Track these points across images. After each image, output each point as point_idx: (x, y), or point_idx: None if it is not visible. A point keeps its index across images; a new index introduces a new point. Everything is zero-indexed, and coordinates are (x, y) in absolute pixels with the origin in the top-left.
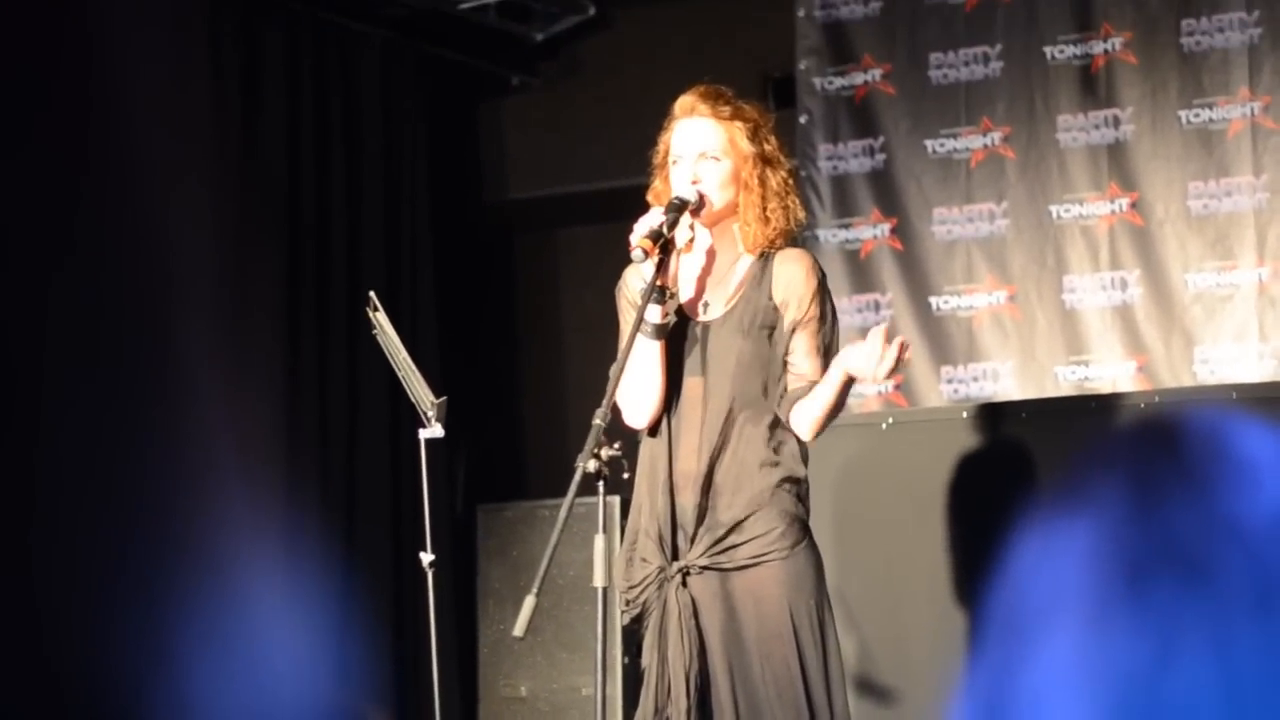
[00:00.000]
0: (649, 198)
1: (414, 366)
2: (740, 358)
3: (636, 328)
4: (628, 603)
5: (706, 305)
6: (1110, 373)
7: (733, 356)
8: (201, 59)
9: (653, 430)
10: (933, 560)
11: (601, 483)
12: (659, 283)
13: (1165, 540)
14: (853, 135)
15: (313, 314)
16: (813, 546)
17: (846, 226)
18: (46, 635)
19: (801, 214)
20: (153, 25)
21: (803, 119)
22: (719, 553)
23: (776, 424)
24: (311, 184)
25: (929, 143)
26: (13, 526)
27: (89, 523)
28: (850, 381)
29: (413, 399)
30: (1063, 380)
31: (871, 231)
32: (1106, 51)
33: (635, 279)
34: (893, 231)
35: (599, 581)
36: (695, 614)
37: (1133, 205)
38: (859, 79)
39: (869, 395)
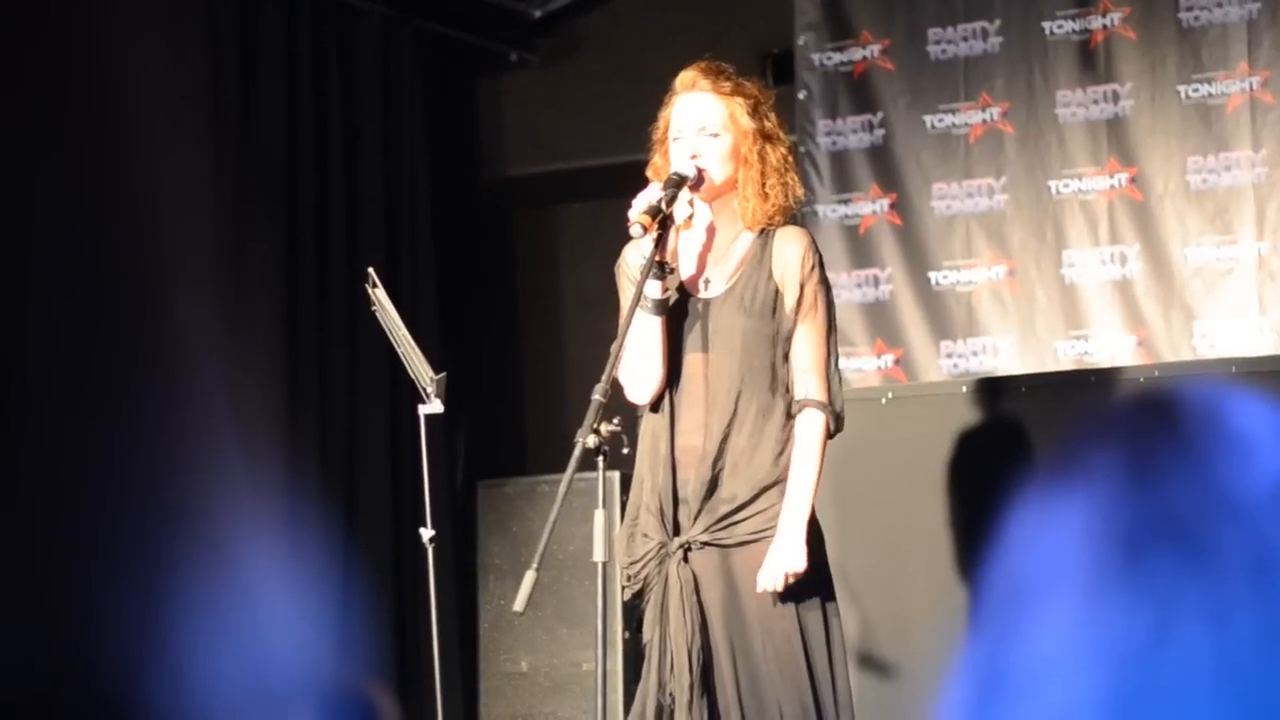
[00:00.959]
0: (648, 173)
1: (413, 343)
2: (745, 336)
3: (636, 303)
4: (629, 578)
5: (708, 282)
6: (1110, 347)
7: (738, 334)
8: (199, 35)
9: (654, 406)
10: (932, 534)
11: (601, 458)
12: (658, 258)
13: (1164, 513)
14: (852, 111)
15: (312, 291)
16: (814, 523)
17: (846, 202)
18: (41, 609)
19: (800, 191)
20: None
21: (801, 95)
22: (720, 529)
23: (785, 406)
24: (310, 160)
25: (928, 118)
26: (5, 503)
27: (84, 497)
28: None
29: (412, 375)
30: (1062, 355)
31: (871, 207)
32: (1105, 27)
33: (635, 255)
34: (892, 207)
35: (599, 556)
36: (696, 589)
37: (1132, 180)
38: (858, 55)
39: (869, 370)
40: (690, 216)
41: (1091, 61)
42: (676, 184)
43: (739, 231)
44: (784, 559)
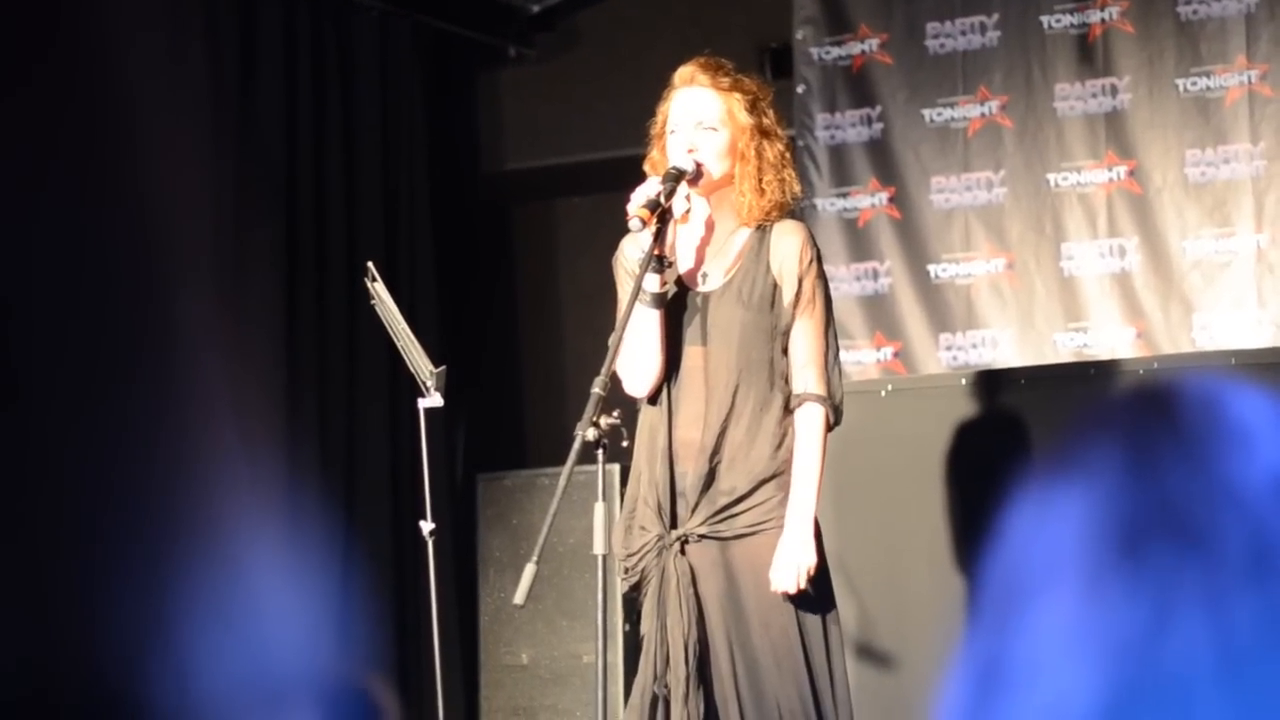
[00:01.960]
0: (646, 167)
1: (413, 336)
2: (744, 329)
3: (635, 297)
4: (626, 570)
5: (705, 276)
6: (1109, 340)
7: (736, 328)
8: (198, 31)
9: (652, 399)
10: (932, 527)
11: (601, 451)
12: (656, 252)
13: (1164, 505)
14: (850, 105)
15: (312, 285)
16: (814, 518)
17: (844, 195)
18: (43, 606)
19: (798, 187)
20: None
21: (800, 89)
22: (718, 522)
23: (783, 399)
24: (309, 155)
25: (926, 112)
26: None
27: (85, 493)
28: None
29: (412, 369)
30: (1061, 347)
31: (869, 200)
32: (1103, 20)
33: (632, 248)
34: (890, 200)
35: (599, 549)
36: (694, 582)
37: (1130, 173)
38: (856, 49)
39: (868, 363)
40: (688, 211)
41: (1090, 55)
42: (674, 178)
43: (736, 226)
44: (796, 557)
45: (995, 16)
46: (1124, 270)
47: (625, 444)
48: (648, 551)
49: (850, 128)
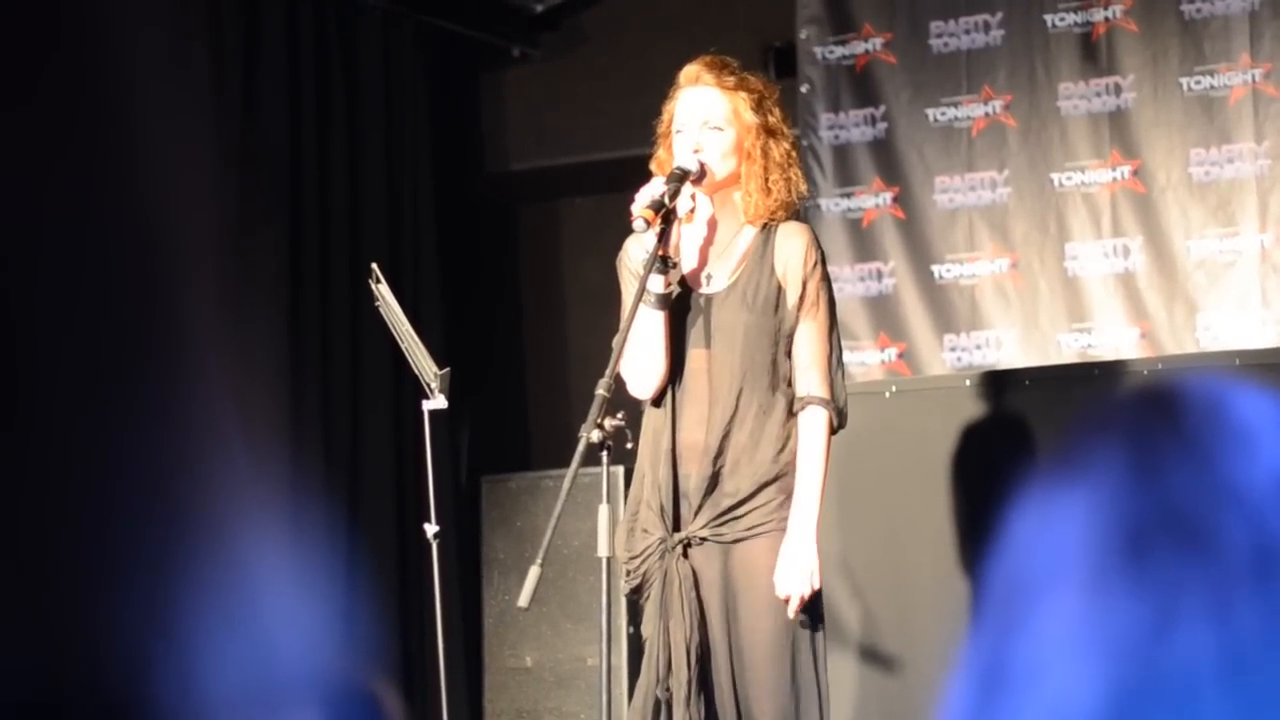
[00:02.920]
0: (652, 166)
1: (417, 338)
2: (748, 331)
3: (639, 298)
4: (628, 573)
5: (710, 277)
6: (1113, 340)
7: (740, 330)
8: (201, 30)
9: (656, 401)
10: (936, 528)
11: (605, 453)
12: (661, 252)
13: (1168, 507)
14: (854, 104)
15: (315, 286)
16: None
17: (848, 195)
18: (45, 608)
19: (803, 186)
20: None
21: (804, 88)
22: (720, 525)
23: (786, 402)
24: (313, 156)
25: (930, 111)
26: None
27: (89, 495)
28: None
29: (416, 370)
30: (1065, 348)
31: (873, 200)
32: (1107, 19)
33: (636, 249)
34: (894, 200)
35: (603, 551)
36: (696, 585)
37: (1134, 172)
38: (860, 48)
39: (872, 364)
40: (692, 210)
41: (1093, 54)
42: (679, 178)
43: (741, 226)
44: (803, 562)
45: (999, 15)
46: (1128, 270)
47: (629, 446)
48: (650, 554)
49: (854, 127)
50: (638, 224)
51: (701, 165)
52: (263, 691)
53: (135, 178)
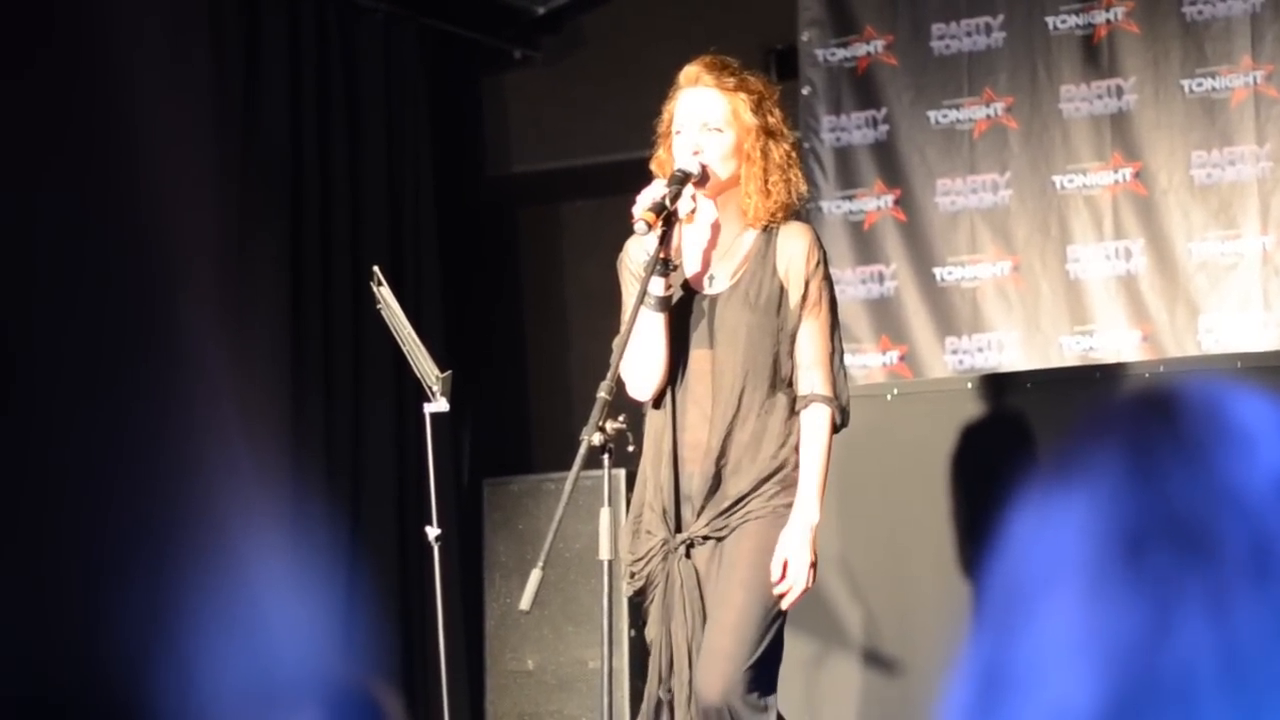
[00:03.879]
0: (652, 166)
1: (418, 341)
2: (750, 332)
3: (640, 300)
4: (632, 575)
5: (712, 278)
6: (1115, 343)
7: (742, 330)
8: (202, 32)
9: (657, 403)
10: (938, 530)
11: (607, 456)
12: (662, 255)
13: (1169, 510)
14: (855, 106)
15: (317, 289)
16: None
17: (850, 198)
18: (48, 608)
19: (804, 187)
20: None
21: (805, 90)
22: (721, 521)
23: (787, 402)
24: (314, 158)
25: (932, 114)
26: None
27: (91, 496)
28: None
29: (417, 373)
30: (1067, 350)
31: (875, 203)
32: (1109, 21)
33: (637, 250)
34: (896, 203)
35: (605, 554)
36: (699, 585)
37: (1136, 175)
38: (861, 50)
39: (874, 367)
40: (693, 211)
41: (1095, 56)
42: (680, 180)
43: (742, 228)
44: (802, 559)
45: (1000, 18)
46: (1130, 273)
47: (631, 449)
48: (653, 556)
49: (855, 130)
50: (639, 226)
51: (702, 167)
52: (264, 693)
53: (136, 181)
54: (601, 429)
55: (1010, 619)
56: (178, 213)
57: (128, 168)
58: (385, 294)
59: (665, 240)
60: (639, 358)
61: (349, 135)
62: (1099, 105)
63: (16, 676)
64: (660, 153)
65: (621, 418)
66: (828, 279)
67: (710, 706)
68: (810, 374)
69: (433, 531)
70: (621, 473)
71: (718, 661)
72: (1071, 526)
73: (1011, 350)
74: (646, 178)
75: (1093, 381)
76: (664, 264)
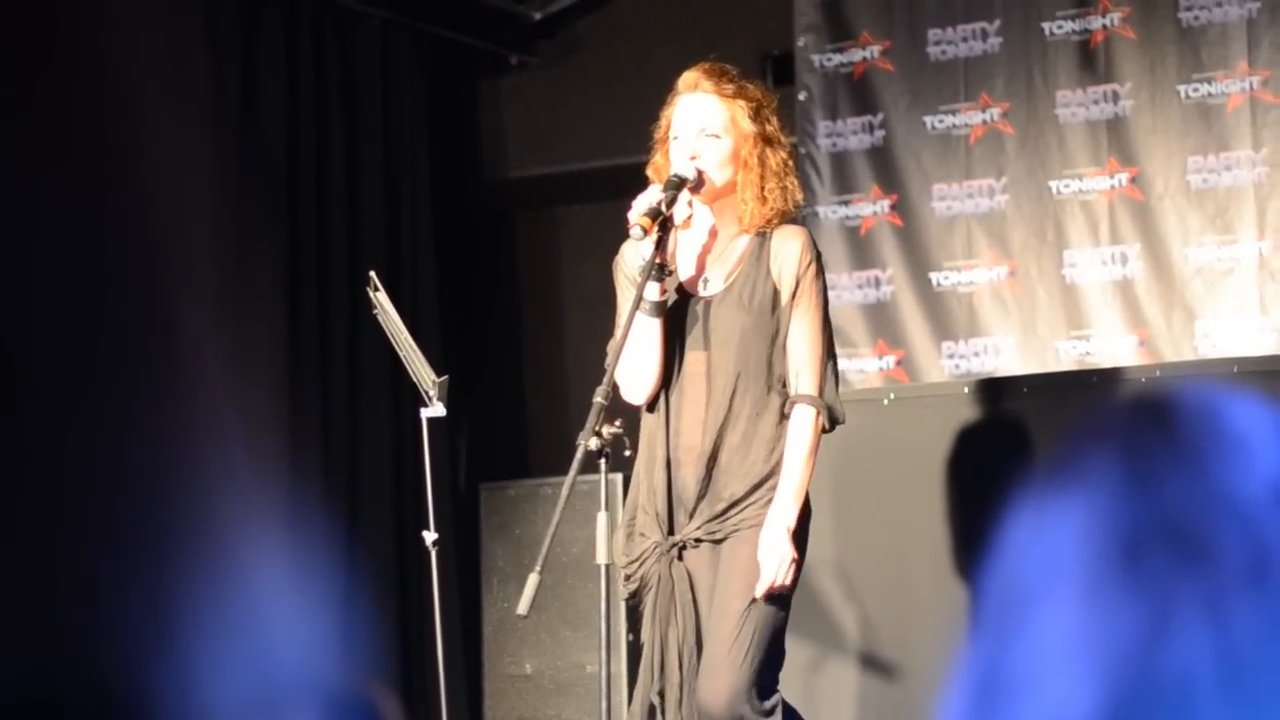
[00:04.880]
0: (649, 171)
1: (415, 345)
2: (744, 333)
3: (636, 305)
4: (627, 578)
5: (706, 281)
6: (1111, 347)
7: (736, 332)
8: (200, 37)
9: (651, 406)
10: (934, 535)
11: (603, 460)
12: (658, 260)
13: (1166, 515)
14: (852, 112)
15: (313, 294)
16: (803, 528)
17: (846, 203)
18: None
19: (800, 195)
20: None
21: (801, 96)
22: (714, 524)
23: (780, 403)
24: (311, 163)
25: (928, 119)
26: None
27: (88, 500)
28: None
29: (414, 378)
30: (1064, 355)
31: (871, 208)
32: (1105, 27)
33: (633, 254)
34: (892, 208)
35: (602, 559)
36: (692, 587)
37: (1132, 180)
38: (857, 56)
39: (870, 372)
40: (690, 217)
41: (1091, 62)
42: (676, 186)
43: (738, 233)
44: (779, 554)
45: (997, 23)
46: (1126, 278)
47: (627, 453)
48: (647, 558)
49: (852, 135)
50: (635, 231)
51: (699, 173)
52: (262, 698)
53: (134, 186)
54: (598, 434)
55: (1007, 623)
56: (176, 217)
57: (124, 172)
58: (381, 299)
59: (661, 245)
60: (634, 362)
61: (346, 140)
62: (1095, 110)
63: (15, 682)
64: (657, 158)
65: (618, 422)
66: (820, 280)
67: (717, 718)
68: (799, 376)
69: (430, 536)
70: (618, 477)
71: (721, 672)
72: (1068, 531)
73: (1008, 355)
74: (643, 183)
75: (1089, 386)
76: (659, 269)
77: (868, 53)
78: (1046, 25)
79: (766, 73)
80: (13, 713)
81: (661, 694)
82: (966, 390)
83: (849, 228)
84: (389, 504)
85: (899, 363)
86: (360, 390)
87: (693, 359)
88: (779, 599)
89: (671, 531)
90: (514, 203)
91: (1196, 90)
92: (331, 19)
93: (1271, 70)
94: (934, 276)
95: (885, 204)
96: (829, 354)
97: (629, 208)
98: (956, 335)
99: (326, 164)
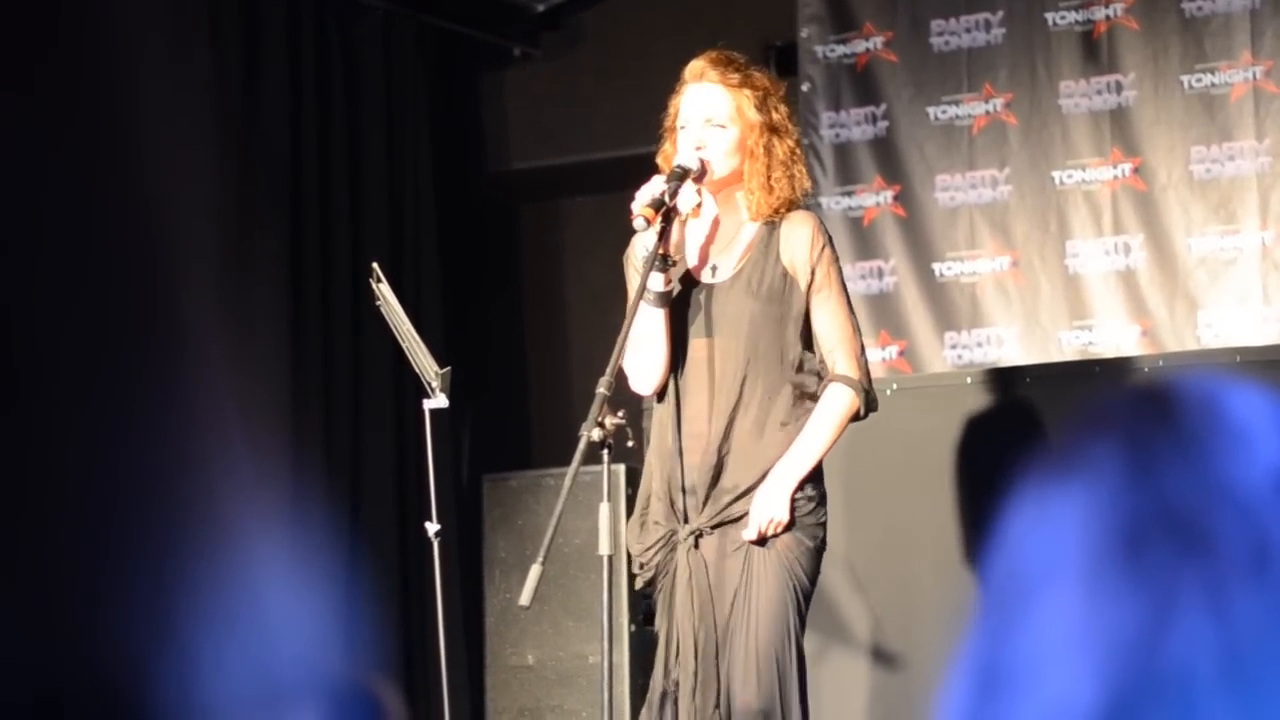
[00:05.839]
0: (658, 160)
1: (418, 337)
2: (753, 319)
3: (639, 296)
4: (641, 566)
5: (715, 269)
6: (1114, 337)
7: (745, 317)
8: (202, 32)
9: (661, 395)
10: (938, 525)
11: (606, 451)
12: (661, 251)
13: (1169, 504)
14: (855, 103)
15: (316, 286)
16: (820, 504)
17: (849, 194)
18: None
19: (808, 183)
20: None
21: (805, 87)
22: (725, 513)
23: (796, 390)
24: (314, 155)
25: (931, 110)
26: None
27: (90, 494)
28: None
29: (417, 370)
30: (1066, 345)
31: (874, 199)
32: (1108, 17)
33: (642, 247)
34: (895, 198)
35: (604, 550)
36: (707, 575)
37: (1135, 170)
38: (860, 46)
39: (873, 362)
40: (698, 206)
41: (1094, 52)
42: (680, 176)
43: (745, 222)
44: (767, 507)
45: (1000, 13)
46: (1129, 268)
47: (630, 444)
48: (661, 546)
49: (855, 126)
50: (638, 222)
51: (702, 163)
52: (264, 690)
53: (136, 178)
54: (601, 425)
55: (1009, 613)
56: (178, 211)
57: (126, 164)
58: (384, 290)
59: (664, 236)
60: (641, 353)
61: (349, 132)
62: (1098, 101)
63: (18, 678)
64: (666, 148)
65: (621, 413)
66: (835, 263)
67: None
68: (833, 357)
69: (432, 527)
70: (621, 468)
71: None
72: (1071, 521)
73: (1011, 345)
74: (647, 173)
75: (1092, 376)
76: (663, 259)
77: (871, 43)
78: (1049, 16)
79: (770, 64)
80: (16, 708)
81: (677, 682)
82: (969, 381)
83: (852, 218)
84: (391, 495)
85: (902, 353)
86: (363, 381)
87: (700, 346)
88: (796, 605)
89: (685, 519)
90: (517, 194)
91: (1200, 81)
92: (334, 11)
93: (1275, 60)
94: (937, 267)
95: (888, 195)
96: (859, 334)
97: (632, 199)
98: (959, 326)
99: (329, 156)
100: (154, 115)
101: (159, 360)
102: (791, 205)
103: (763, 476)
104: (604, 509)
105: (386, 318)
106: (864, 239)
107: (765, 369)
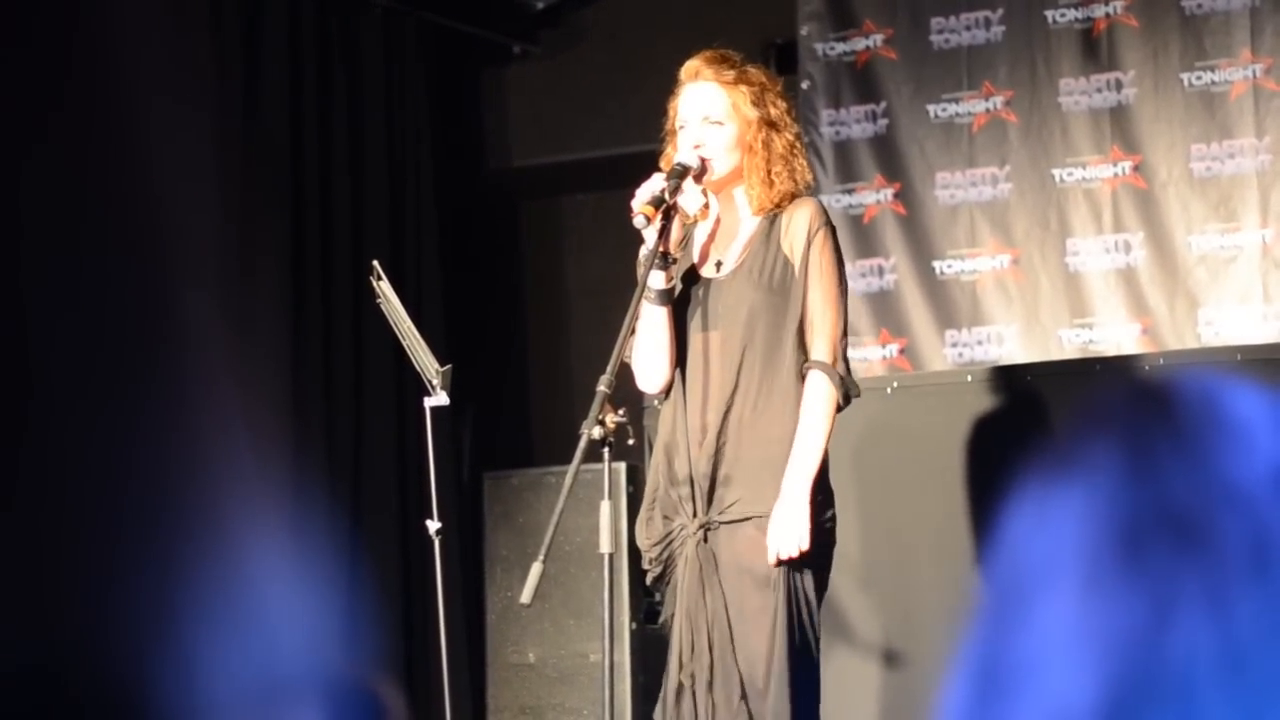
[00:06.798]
0: (661, 163)
1: (418, 335)
2: (752, 309)
3: (640, 294)
4: (650, 561)
5: (719, 264)
6: (1114, 335)
7: (744, 307)
8: (202, 29)
9: (667, 392)
10: (939, 523)
11: (607, 449)
12: (661, 249)
13: (1170, 502)
14: (855, 100)
15: (317, 283)
16: (825, 497)
17: (849, 192)
18: (50, 606)
19: (810, 176)
20: None
21: (805, 85)
22: (728, 506)
23: (793, 376)
24: (314, 153)
25: (931, 107)
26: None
27: (92, 493)
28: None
29: (417, 367)
30: (1067, 343)
31: (874, 196)
32: (1108, 15)
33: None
34: (896, 196)
35: (605, 547)
36: (716, 568)
37: (1135, 168)
38: (860, 44)
39: (874, 360)
40: (705, 206)
41: (1094, 50)
42: (679, 174)
43: (747, 217)
44: (793, 526)
45: (999, 11)
46: (1129, 266)
47: (631, 442)
48: (670, 540)
49: (855, 124)
50: (638, 220)
51: (703, 161)
52: (266, 688)
53: (137, 176)
54: (601, 423)
55: (1010, 611)
56: (179, 209)
57: (128, 162)
58: (385, 288)
59: (664, 234)
60: (644, 351)
61: (349, 130)
62: (1098, 99)
63: (21, 676)
64: (669, 150)
65: (622, 411)
66: (832, 247)
67: None
68: (814, 343)
69: (433, 525)
70: (622, 466)
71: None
72: (1071, 519)
73: (1011, 343)
74: (648, 170)
75: (1092, 374)
76: (664, 257)
77: (870, 41)
78: (1049, 13)
79: (769, 61)
80: (19, 708)
81: (693, 676)
82: (970, 379)
83: (852, 216)
84: (392, 493)
85: (902, 351)
86: (364, 379)
87: (697, 339)
88: (809, 587)
89: (694, 514)
90: (517, 192)
91: (1199, 78)
92: (335, 8)
93: (1275, 58)
94: (937, 265)
95: (888, 192)
96: (844, 321)
97: (633, 196)
98: (959, 324)
99: (330, 153)
100: (154, 112)
101: (160, 359)
102: (793, 198)
103: (764, 462)
104: (605, 507)
105: (387, 315)
106: (864, 237)
107: (762, 358)
